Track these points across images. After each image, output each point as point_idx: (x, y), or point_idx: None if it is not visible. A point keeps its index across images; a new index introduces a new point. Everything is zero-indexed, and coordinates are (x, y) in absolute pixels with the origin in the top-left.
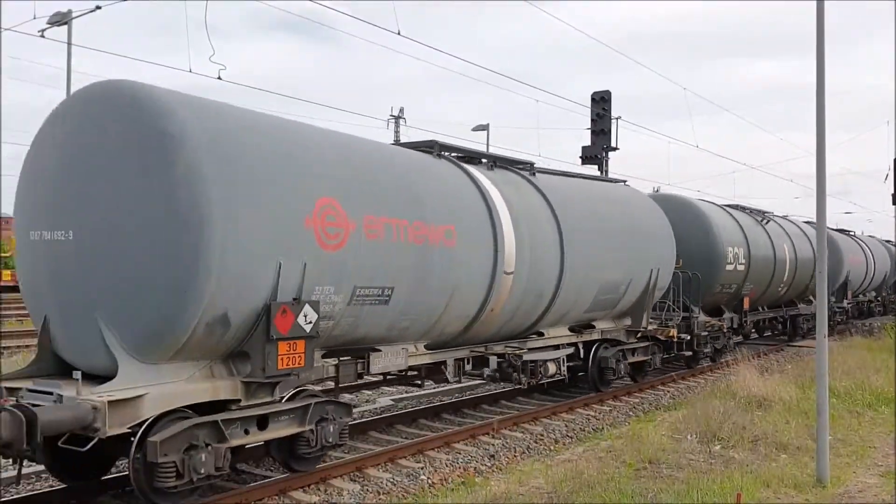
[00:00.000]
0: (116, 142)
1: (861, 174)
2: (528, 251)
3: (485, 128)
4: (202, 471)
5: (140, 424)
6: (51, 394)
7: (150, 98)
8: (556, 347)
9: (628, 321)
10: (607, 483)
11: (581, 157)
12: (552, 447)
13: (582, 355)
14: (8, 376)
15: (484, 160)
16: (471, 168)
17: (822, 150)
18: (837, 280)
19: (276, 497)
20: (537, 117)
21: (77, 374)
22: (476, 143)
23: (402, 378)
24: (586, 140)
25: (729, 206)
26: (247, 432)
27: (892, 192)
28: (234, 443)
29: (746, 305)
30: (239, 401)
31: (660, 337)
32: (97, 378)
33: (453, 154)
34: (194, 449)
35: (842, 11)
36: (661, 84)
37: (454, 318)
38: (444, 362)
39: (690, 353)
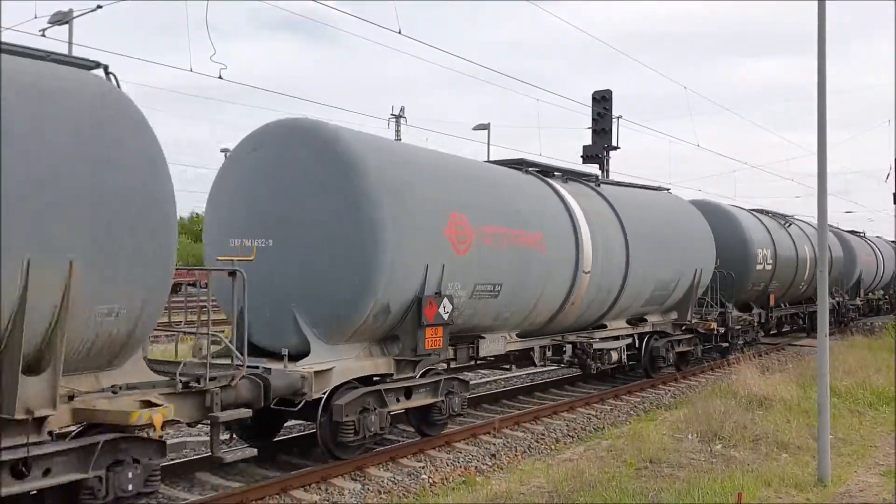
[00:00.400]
0: (309, 171)
1: (862, 173)
2: (601, 253)
3: (485, 127)
4: (372, 429)
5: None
6: (258, 367)
7: (337, 138)
8: (616, 338)
9: (674, 315)
10: (608, 482)
11: (582, 157)
12: (553, 446)
13: (637, 345)
14: (214, 354)
15: (557, 173)
16: (553, 182)
17: (822, 149)
18: (851, 279)
19: (278, 496)
20: (538, 116)
21: (284, 351)
22: (477, 141)
23: (495, 362)
24: (587, 139)
25: (756, 210)
26: (397, 401)
27: (894, 191)
28: (391, 409)
29: (772, 302)
30: (388, 375)
31: (700, 329)
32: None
33: (536, 169)
34: (366, 412)
35: (843, 10)
36: (662, 83)
37: (543, 310)
38: (532, 348)
39: (727, 344)
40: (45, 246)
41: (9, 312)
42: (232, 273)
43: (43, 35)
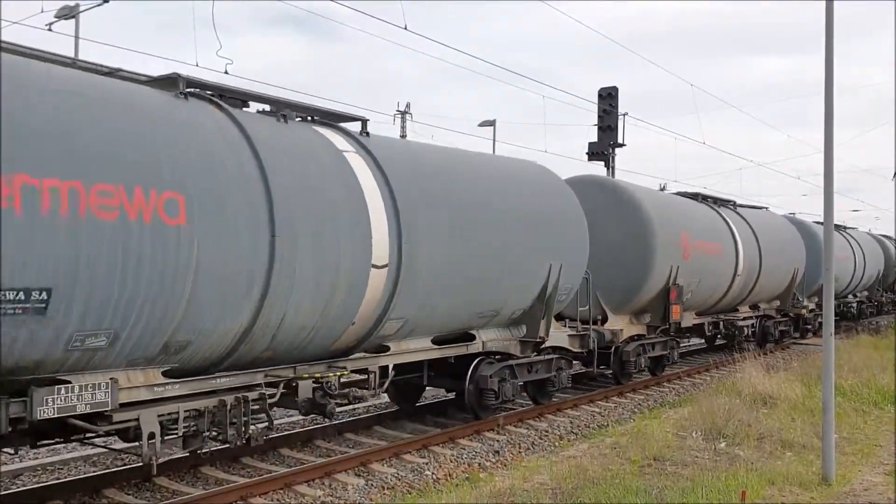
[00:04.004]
0: (608, 204)
1: (869, 171)
2: (747, 259)
3: (491, 123)
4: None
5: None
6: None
7: (621, 186)
8: (743, 319)
9: (777, 303)
10: (612, 480)
11: (588, 153)
12: (557, 443)
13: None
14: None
15: (709, 198)
16: (722, 210)
17: (829, 147)
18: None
19: (281, 490)
20: (544, 113)
21: (601, 317)
22: (483, 138)
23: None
24: (593, 136)
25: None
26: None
27: None
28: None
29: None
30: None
31: (791, 314)
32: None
33: (711, 200)
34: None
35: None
36: (669, 80)
37: (716, 294)
38: (704, 323)
39: (809, 327)
40: (554, 254)
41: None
42: (586, 276)
43: (49, 30)
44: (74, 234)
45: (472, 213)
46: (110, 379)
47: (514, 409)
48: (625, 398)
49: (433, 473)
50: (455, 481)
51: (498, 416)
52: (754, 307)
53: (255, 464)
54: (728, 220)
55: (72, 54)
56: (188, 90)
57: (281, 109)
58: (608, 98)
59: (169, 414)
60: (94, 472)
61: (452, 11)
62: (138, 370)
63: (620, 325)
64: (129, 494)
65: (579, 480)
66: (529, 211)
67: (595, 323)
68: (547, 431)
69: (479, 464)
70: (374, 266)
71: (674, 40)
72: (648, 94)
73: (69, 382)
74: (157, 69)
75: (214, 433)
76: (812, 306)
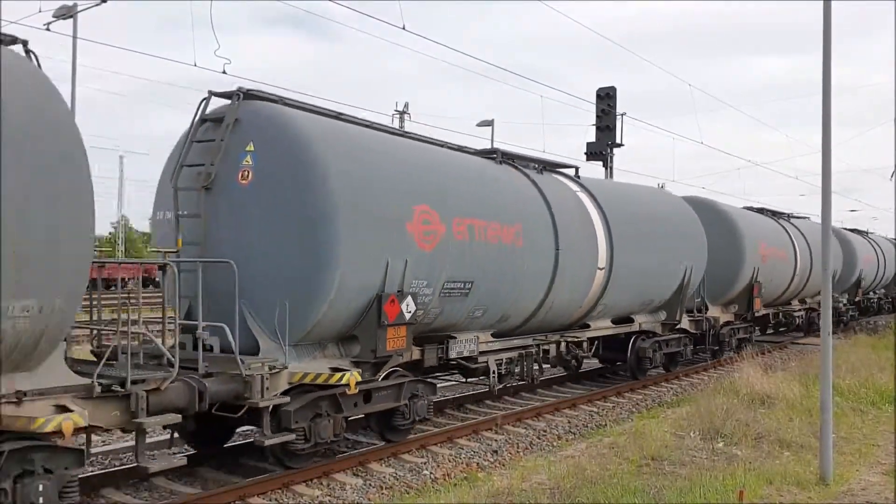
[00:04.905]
0: (709, 220)
1: (867, 171)
2: (808, 260)
3: (489, 123)
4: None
5: None
6: None
7: (718, 205)
8: (797, 311)
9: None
10: (610, 479)
11: (586, 153)
12: (555, 443)
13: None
14: None
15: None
16: (780, 221)
17: (827, 147)
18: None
19: (279, 491)
20: (542, 113)
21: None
22: (481, 138)
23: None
24: (592, 136)
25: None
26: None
27: None
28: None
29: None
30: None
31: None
32: None
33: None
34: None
35: (849, 7)
36: (667, 80)
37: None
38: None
39: (843, 318)
40: (688, 258)
41: (678, 283)
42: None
43: (48, 29)
44: (483, 250)
45: (644, 228)
46: (475, 336)
47: (659, 374)
48: (623, 398)
49: (431, 473)
50: (453, 481)
51: (496, 416)
52: (802, 301)
53: (254, 463)
54: (787, 230)
55: (70, 54)
56: (502, 159)
57: (545, 166)
58: (606, 98)
59: (497, 360)
60: (93, 471)
61: (451, 11)
62: (486, 331)
63: (718, 314)
64: (127, 494)
65: (577, 480)
66: (671, 226)
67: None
68: (545, 431)
69: (478, 463)
70: (598, 268)
71: (673, 40)
72: (647, 94)
73: (455, 338)
74: (157, 69)
75: (516, 372)
76: (844, 300)
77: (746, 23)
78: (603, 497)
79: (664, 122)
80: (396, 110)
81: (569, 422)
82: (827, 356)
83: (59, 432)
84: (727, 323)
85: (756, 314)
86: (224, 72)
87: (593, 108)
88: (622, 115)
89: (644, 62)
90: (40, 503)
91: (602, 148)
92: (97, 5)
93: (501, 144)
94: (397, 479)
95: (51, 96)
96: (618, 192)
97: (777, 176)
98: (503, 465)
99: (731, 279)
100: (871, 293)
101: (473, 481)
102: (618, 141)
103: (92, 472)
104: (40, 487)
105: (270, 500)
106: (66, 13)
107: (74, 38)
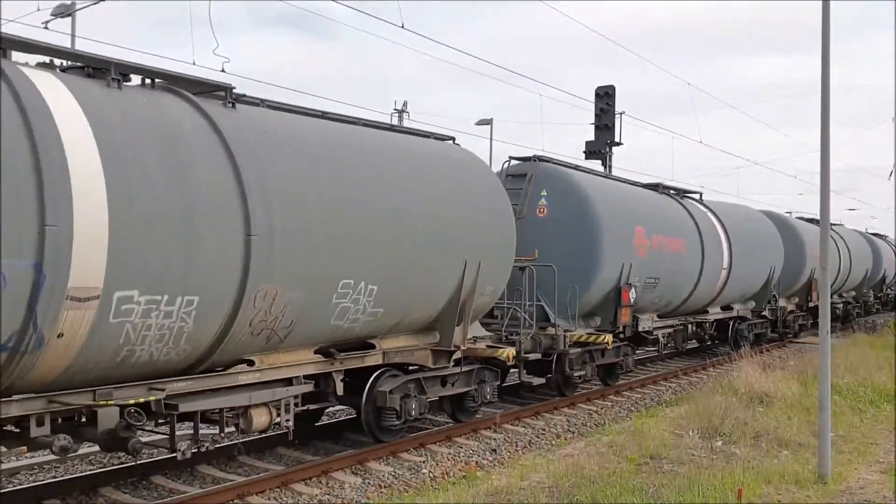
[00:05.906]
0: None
1: (866, 171)
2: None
3: (488, 122)
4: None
5: None
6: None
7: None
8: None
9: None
10: (609, 478)
11: (585, 152)
12: (554, 442)
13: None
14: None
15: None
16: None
17: (826, 147)
18: (799, 280)
19: (278, 489)
20: (541, 112)
21: None
22: (480, 136)
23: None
24: (591, 135)
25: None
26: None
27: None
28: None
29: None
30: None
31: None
32: None
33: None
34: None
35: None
36: (666, 79)
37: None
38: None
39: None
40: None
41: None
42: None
43: (46, 28)
44: (665, 256)
45: (747, 237)
46: (650, 316)
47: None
48: (621, 396)
49: (430, 472)
50: (452, 480)
51: (495, 415)
52: (840, 295)
53: (253, 462)
54: (833, 238)
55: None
56: (662, 190)
57: (682, 193)
58: (605, 97)
59: (662, 333)
60: (91, 470)
61: (450, 10)
62: (654, 314)
63: (784, 304)
64: (125, 493)
65: (576, 479)
66: (762, 236)
67: None
68: (544, 430)
69: (477, 462)
70: (723, 268)
71: (672, 40)
72: (646, 93)
73: (638, 318)
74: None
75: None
76: (871, 295)
77: (746, 22)
78: (602, 496)
79: (663, 121)
80: (395, 109)
81: (567, 421)
82: (825, 355)
83: (506, 358)
84: (790, 311)
85: (811, 305)
86: (223, 70)
87: (592, 107)
88: (621, 113)
89: (643, 61)
90: (488, 398)
91: (601, 147)
92: (95, 3)
93: (499, 143)
94: (396, 478)
95: (498, 185)
96: (729, 209)
97: (776, 175)
98: (502, 464)
99: (795, 277)
100: (890, 289)
101: (472, 480)
102: (617, 140)
103: (91, 470)
104: (488, 389)
105: (269, 499)
106: (65, 11)
107: (73, 36)
